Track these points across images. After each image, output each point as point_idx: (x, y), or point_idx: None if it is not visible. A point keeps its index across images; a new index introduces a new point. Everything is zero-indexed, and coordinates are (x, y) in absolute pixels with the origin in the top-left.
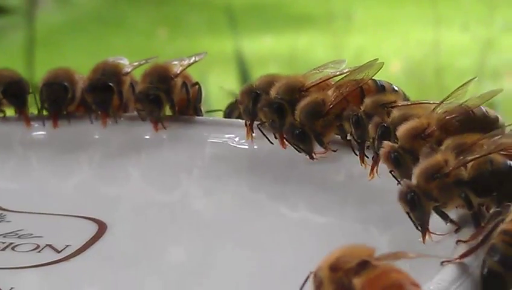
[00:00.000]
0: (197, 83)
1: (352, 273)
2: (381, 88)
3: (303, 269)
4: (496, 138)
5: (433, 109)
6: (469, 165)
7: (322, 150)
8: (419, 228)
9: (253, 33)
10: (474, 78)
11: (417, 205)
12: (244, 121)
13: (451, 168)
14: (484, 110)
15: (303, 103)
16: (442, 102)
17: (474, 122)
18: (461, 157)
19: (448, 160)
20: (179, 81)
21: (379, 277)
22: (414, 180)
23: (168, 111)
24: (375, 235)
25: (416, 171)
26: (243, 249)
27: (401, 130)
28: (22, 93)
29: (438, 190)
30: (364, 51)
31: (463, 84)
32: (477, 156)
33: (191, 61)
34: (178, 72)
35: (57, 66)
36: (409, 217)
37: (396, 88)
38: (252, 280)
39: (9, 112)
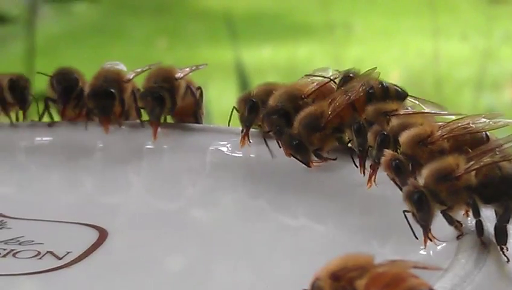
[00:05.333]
0: (199, 88)
1: (355, 280)
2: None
3: (303, 278)
4: (506, 145)
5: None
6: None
7: None
8: (421, 229)
9: (252, 43)
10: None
11: (424, 205)
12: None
13: (462, 172)
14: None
15: (302, 114)
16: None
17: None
18: (473, 162)
19: (459, 164)
20: (182, 83)
21: (381, 274)
22: (422, 181)
23: (169, 118)
24: (375, 245)
25: (425, 171)
26: (242, 258)
27: (404, 136)
28: (24, 89)
29: (446, 193)
30: (363, 61)
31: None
32: (490, 161)
33: (193, 68)
34: (181, 75)
35: None
36: (414, 217)
37: (400, 89)
38: (252, 289)
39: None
